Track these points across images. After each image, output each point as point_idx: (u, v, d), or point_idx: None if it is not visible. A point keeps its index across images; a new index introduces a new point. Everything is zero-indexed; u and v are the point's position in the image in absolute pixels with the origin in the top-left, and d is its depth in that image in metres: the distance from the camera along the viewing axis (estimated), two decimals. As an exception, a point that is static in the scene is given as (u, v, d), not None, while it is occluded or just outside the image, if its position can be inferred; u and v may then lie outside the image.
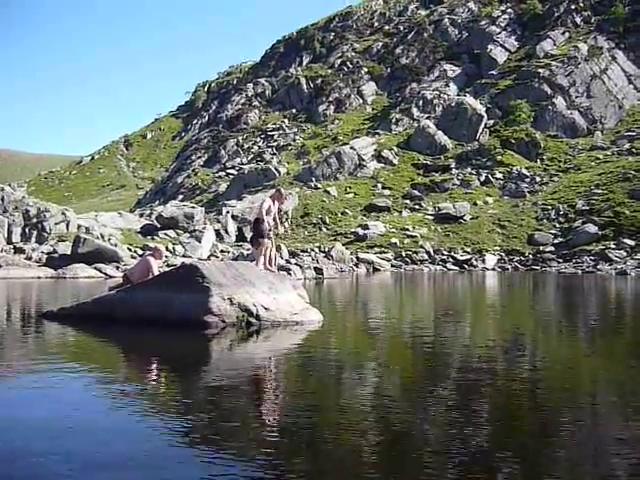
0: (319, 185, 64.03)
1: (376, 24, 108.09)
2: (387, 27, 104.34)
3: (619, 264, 40.30)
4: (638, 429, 5.09)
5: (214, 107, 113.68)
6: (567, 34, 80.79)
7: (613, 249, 43.53)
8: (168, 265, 26.70)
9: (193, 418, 5.27)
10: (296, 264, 33.92)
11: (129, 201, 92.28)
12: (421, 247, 48.72)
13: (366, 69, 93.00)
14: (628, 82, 73.34)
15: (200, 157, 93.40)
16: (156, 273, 11.99)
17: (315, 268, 33.53)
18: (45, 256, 33.18)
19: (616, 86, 72.30)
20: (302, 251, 45.03)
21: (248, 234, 48.01)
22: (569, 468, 4.24)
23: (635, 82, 73.58)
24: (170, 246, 37.43)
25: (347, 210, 58.76)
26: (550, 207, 53.58)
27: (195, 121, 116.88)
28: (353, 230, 52.88)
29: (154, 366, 7.96)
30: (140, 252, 34.25)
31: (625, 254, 42.57)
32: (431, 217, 56.06)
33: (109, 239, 36.84)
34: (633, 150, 60.83)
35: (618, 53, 75.15)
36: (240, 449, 4.44)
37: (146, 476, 3.95)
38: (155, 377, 7.29)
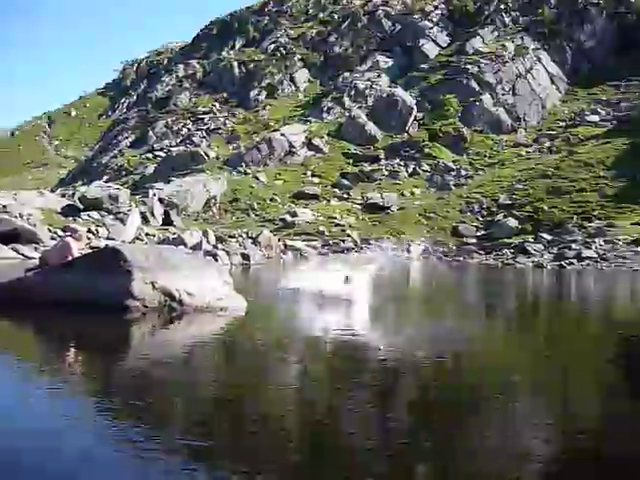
0: (248, 171, 63.61)
1: (311, 11, 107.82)
2: (322, 15, 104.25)
3: (536, 257, 41.88)
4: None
5: (143, 87, 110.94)
6: (496, 33, 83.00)
7: (531, 243, 45.20)
8: (91, 247, 25.98)
9: (110, 400, 5.19)
10: (223, 250, 33.58)
11: (51, 180, 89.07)
12: (348, 236, 49.19)
13: (299, 56, 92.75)
14: (551, 82, 76.03)
15: (127, 137, 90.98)
16: (76, 255, 11.63)
17: (242, 254, 33.30)
18: (-42, 235, 31.63)
19: (540, 86, 74.82)
20: (229, 237, 44.62)
21: (175, 218, 47.37)
22: (485, 450, 4.42)
23: (557, 83, 76.35)
24: (93, 228, 36.37)
25: (276, 197, 58.66)
26: (474, 200, 55.10)
27: (123, 100, 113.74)
28: (281, 217, 52.86)
29: (71, 351, 7.76)
30: (61, 233, 33.12)
31: (542, 248, 44.26)
32: (359, 206, 56.66)
33: (28, 219, 35.45)
34: (553, 148, 63.23)
35: (543, 54, 77.72)
36: (156, 426, 4.41)
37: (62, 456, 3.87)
38: (72, 362, 7.12)
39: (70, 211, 41.61)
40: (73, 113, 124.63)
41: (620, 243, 41.77)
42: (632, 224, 45.26)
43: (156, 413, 5.05)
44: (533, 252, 43.38)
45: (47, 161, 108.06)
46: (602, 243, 42.18)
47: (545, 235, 46.13)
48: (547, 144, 64.97)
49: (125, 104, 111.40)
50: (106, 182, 63.05)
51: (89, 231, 34.78)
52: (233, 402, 5.43)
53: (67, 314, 10.10)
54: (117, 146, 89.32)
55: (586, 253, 40.05)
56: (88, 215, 40.88)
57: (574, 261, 38.79)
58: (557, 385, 6.72)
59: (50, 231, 35.01)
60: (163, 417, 4.95)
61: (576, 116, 70.23)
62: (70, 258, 11.47)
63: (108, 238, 34.59)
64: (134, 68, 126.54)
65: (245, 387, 6.04)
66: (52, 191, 59.01)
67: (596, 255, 39.68)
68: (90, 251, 13.78)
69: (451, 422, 5.13)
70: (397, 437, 4.64)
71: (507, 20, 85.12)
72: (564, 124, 69.28)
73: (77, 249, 11.96)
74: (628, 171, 52.26)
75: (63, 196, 47.82)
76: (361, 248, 45.57)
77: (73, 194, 47.39)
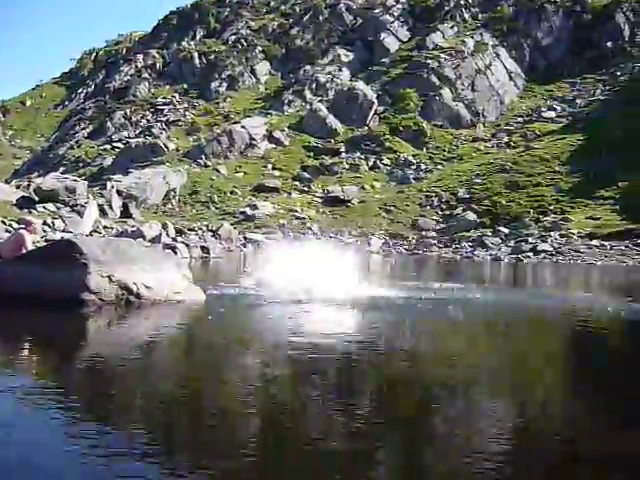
0: (209, 163, 63.15)
1: (272, 3, 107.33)
2: (283, 7, 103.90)
3: (494, 250, 42.61)
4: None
5: (101, 77, 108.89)
6: (456, 28, 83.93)
7: (489, 236, 45.98)
8: (46, 240, 25.48)
9: (64, 397, 5.12)
10: (182, 242, 33.30)
11: (4, 171, 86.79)
12: (309, 229, 49.29)
13: (260, 48, 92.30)
14: (509, 79, 77.26)
15: (84, 128, 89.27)
16: (30, 248, 11.40)
17: (202, 247, 33.07)
18: None
19: (498, 82, 75.97)
20: (189, 229, 44.24)
21: (134, 210, 46.75)
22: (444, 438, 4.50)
23: (515, 79, 77.62)
24: (49, 220, 35.67)
25: (236, 189, 58.37)
26: (434, 194, 55.73)
27: (80, 90, 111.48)
28: (242, 210, 52.64)
29: (24, 346, 7.61)
30: (15, 226, 32.41)
31: (500, 241, 45.07)
32: (320, 199, 56.78)
33: (-19, 211, 34.57)
34: (511, 143, 64.35)
35: (501, 50, 78.91)
36: (111, 421, 4.38)
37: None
38: (24, 358, 6.99)
39: (25, 203, 40.70)
40: (28, 102, 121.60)
41: (575, 237, 42.76)
42: (586, 218, 46.40)
43: (105, 408, 5.01)
44: (491, 245, 44.13)
45: (0, 151, 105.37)
46: (557, 237, 43.13)
47: (503, 229, 46.98)
48: (505, 139, 66.07)
49: (82, 94, 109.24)
50: (63, 173, 61.81)
51: (45, 223, 34.10)
52: (189, 396, 5.42)
53: (20, 308, 9.89)
54: (74, 137, 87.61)
55: (542, 247, 40.91)
56: (44, 207, 40.03)
57: (530, 254, 39.59)
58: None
59: (4, 223, 34.19)
60: (112, 411, 4.90)
61: (533, 112, 71.57)
62: (24, 251, 11.23)
63: (64, 231, 33.97)
64: (92, 57, 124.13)
65: (201, 381, 6.03)
66: (6, 182, 57.54)
67: (551, 249, 40.57)
68: (45, 244, 13.54)
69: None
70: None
71: (467, 16, 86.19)
72: (522, 120, 70.53)
73: (31, 242, 11.74)
74: (582, 166, 53.56)
75: (18, 187, 46.72)
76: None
77: (28, 185, 46.34)
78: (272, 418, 4.87)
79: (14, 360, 6.68)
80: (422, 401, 5.59)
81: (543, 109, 71.37)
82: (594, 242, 41.10)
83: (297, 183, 60.89)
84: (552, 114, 69.34)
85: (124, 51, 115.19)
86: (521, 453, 4.26)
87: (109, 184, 51.15)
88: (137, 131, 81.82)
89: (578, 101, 70.42)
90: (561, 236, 43.26)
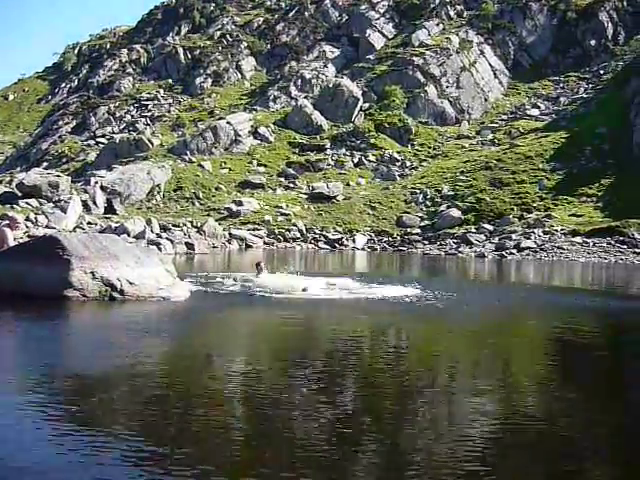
0: (193, 159, 62.79)
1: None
2: (269, 3, 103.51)
3: (479, 247, 42.83)
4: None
5: (85, 71, 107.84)
6: (441, 26, 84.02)
7: (474, 233, 46.19)
8: (29, 236, 25.30)
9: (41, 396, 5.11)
10: (167, 238, 33.22)
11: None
12: (294, 225, 49.24)
13: (246, 44, 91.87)
14: (494, 76, 77.55)
15: (68, 123, 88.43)
16: (12, 244, 11.33)
17: (187, 243, 33.04)
18: None
19: (483, 79, 76.23)
20: (174, 225, 44.06)
21: (118, 206, 46.50)
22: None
23: (500, 77, 77.93)
24: (32, 216, 35.42)
25: (221, 185, 58.16)
26: (418, 191, 55.86)
27: (63, 84, 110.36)
28: (227, 206, 52.45)
29: (6, 343, 7.57)
30: (-2, 221, 32.09)
31: (484, 238, 45.31)
32: (305, 196, 56.71)
33: (-38, 206, 34.24)
34: (495, 141, 64.61)
35: (486, 48, 79.16)
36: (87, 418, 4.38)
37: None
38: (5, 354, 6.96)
39: (8, 199, 40.39)
40: (10, 97, 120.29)
41: (558, 234, 43.08)
42: (570, 215, 46.79)
43: (90, 405, 5.01)
44: (475, 242, 44.35)
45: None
46: (541, 234, 43.42)
47: (487, 226, 47.21)
48: (490, 136, 66.32)
49: (66, 89, 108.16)
50: (46, 169, 61.30)
51: (27, 219, 33.87)
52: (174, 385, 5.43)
53: (1, 304, 9.83)
54: (57, 132, 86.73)
55: (526, 243, 41.20)
56: (27, 203, 39.78)
57: (514, 251, 39.85)
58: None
59: (-14, 219, 33.86)
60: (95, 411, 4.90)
61: (517, 110, 71.95)
62: (6, 247, 11.16)
63: (47, 227, 33.75)
64: (76, 52, 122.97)
65: (185, 372, 6.04)
66: (-12, 177, 56.98)
67: (535, 245, 40.85)
68: (28, 239, 13.44)
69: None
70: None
71: (452, 13, 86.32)
72: (506, 117, 70.87)
73: (13, 238, 11.67)
74: (566, 164, 53.99)
75: (0, 183, 46.32)
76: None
77: (10, 181, 45.99)
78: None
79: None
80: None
81: (527, 107, 71.77)
82: (577, 239, 41.42)
83: (282, 179, 60.79)
84: (536, 112, 69.73)
85: (108, 46, 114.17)
86: None
87: (93, 180, 50.85)
88: (121, 126, 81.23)
89: (562, 99, 70.87)
90: (544, 233, 43.55)
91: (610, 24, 78.05)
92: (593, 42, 77.24)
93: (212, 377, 6.06)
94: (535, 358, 7.71)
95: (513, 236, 43.74)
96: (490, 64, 77.83)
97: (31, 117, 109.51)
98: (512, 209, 49.34)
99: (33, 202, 39.95)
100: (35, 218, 35.60)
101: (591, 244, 40.16)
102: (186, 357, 6.99)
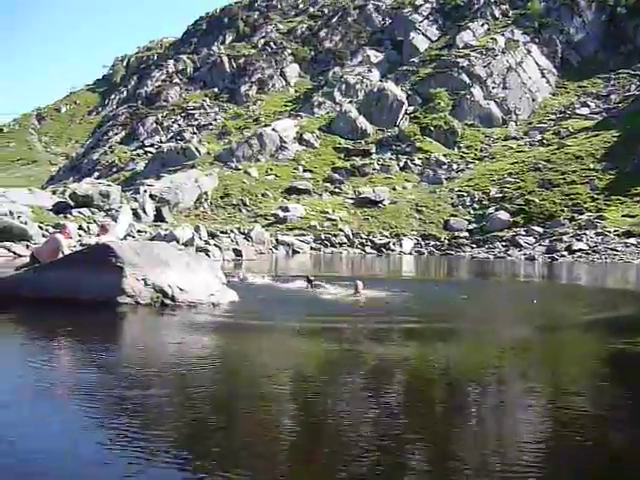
0: (240, 166, 63.49)
1: (301, 5, 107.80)
2: (312, 9, 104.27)
3: (528, 250, 42.02)
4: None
5: (133, 82, 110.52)
6: (486, 26, 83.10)
7: (523, 235, 45.36)
8: (81, 244, 25.88)
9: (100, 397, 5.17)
10: (215, 245, 33.55)
11: (41, 177, 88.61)
12: (340, 230, 49.21)
13: (290, 51, 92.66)
14: (541, 76, 76.23)
15: (117, 134, 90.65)
16: (66, 252, 11.58)
17: (234, 250, 33.28)
18: (-53, 233, 31.38)
19: (530, 79, 75.00)
20: (221, 232, 44.55)
21: (167, 214, 47.24)
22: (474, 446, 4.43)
23: (547, 76, 76.55)
24: (84, 225, 36.26)
25: (267, 192, 58.58)
26: (465, 194, 55.20)
27: (113, 96, 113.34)
28: (273, 212, 52.79)
29: (63, 346, 7.72)
30: (52, 230, 32.97)
31: (534, 240, 44.43)
32: (351, 201, 56.67)
33: (18, 216, 35.26)
34: (544, 141, 63.42)
35: (533, 47, 77.90)
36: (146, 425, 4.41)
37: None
38: (62, 357, 7.09)
39: (61, 208, 41.46)
40: (63, 109, 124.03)
41: (611, 235, 41.96)
42: (622, 216, 45.50)
43: (146, 408, 5.05)
44: (525, 245, 43.55)
45: (37, 158, 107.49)
46: (593, 235, 42.36)
47: (536, 228, 46.31)
48: (538, 137, 65.15)
49: (115, 100, 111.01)
50: (97, 179, 62.84)
51: (80, 228, 34.68)
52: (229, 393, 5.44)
53: (58, 312, 10.04)
54: (107, 142, 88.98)
55: (577, 245, 40.22)
56: (79, 212, 40.75)
57: (565, 253, 38.97)
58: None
59: (41, 228, 34.87)
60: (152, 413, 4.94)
61: (566, 109, 70.49)
62: (61, 255, 11.42)
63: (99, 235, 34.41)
64: (124, 64, 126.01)
65: (241, 378, 6.06)
66: (42, 188, 58.71)
67: (587, 247, 39.86)
68: (81, 248, 13.73)
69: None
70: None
71: (497, 13, 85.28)
72: (554, 117, 69.51)
73: (67, 246, 11.92)
74: (617, 163, 52.55)
75: (54, 193, 47.59)
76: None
77: (64, 191, 47.19)
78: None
79: (56, 358, 6.79)
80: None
81: (576, 106, 70.24)
82: (631, 240, 40.25)
83: (328, 184, 60.89)
84: (586, 110, 68.19)
85: (155, 57, 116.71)
86: None
87: (142, 188, 51.80)
88: (169, 136, 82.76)
89: (612, 97, 69.13)
90: (597, 234, 42.47)
91: (662, 19, 75.89)
92: (644, 38, 75.23)
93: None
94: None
95: (564, 238, 42.75)
96: (537, 63, 76.53)
97: (82, 129, 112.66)
98: (562, 210, 48.27)
99: (85, 211, 40.91)
100: (87, 227, 36.44)
101: (646, 245, 38.97)
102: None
